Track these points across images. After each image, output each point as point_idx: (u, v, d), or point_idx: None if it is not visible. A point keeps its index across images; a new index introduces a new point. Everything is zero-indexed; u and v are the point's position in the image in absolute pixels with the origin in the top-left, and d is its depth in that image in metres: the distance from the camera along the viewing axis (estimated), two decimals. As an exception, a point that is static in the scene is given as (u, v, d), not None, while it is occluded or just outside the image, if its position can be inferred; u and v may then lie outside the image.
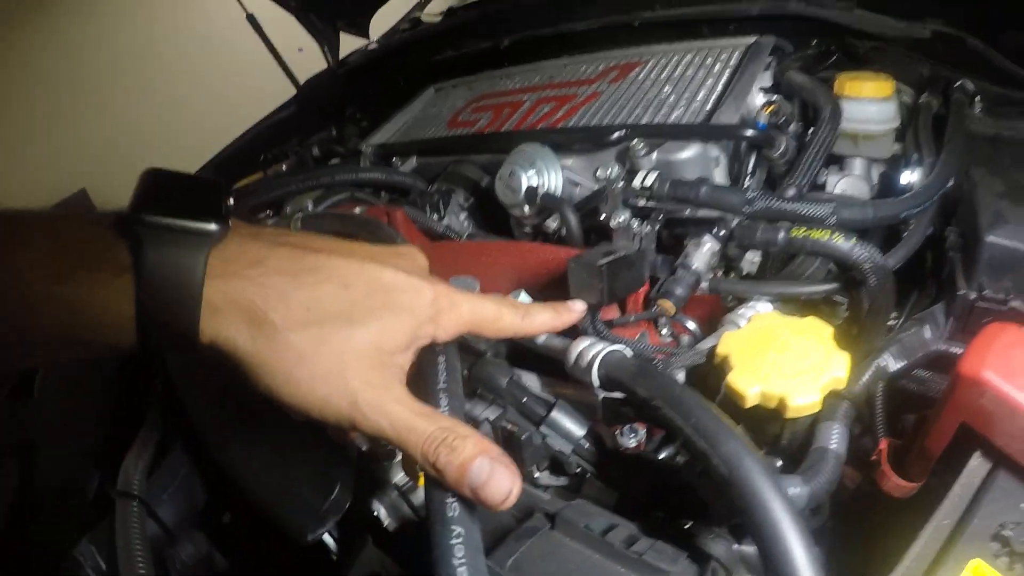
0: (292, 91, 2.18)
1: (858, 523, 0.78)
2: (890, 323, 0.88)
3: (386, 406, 0.56)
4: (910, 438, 0.71)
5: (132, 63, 4.79)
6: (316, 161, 1.77)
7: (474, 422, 0.78)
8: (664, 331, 0.91)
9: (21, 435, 1.39)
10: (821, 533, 0.77)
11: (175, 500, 1.14)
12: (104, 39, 4.73)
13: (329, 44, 2.07)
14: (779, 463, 0.72)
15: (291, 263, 0.58)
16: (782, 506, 0.49)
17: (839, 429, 0.68)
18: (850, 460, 0.76)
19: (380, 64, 2.02)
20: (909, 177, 1.01)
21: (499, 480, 0.53)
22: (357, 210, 1.21)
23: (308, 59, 2.12)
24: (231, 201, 0.60)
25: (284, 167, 1.79)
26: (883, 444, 0.72)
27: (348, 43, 2.16)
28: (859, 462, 0.75)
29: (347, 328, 0.57)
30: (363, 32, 2.15)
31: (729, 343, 0.69)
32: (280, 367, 0.55)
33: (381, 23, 2.20)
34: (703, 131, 1.04)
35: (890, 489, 0.71)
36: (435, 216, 1.17)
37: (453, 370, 0.64)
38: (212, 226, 0.55)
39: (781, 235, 0.81)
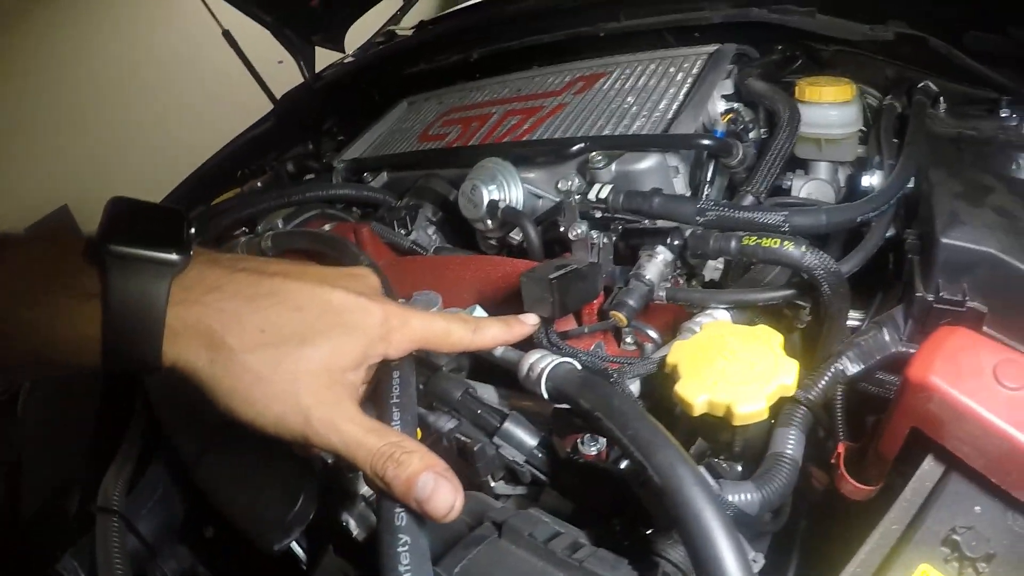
0: (271, 105, 2.19)
1: (827, 524, 0.79)
2: (855, 323, 0.89)
3: (337, 423, 0.58)
4: (867, 442, 0.72)
5: (112, 80, 4.78)
6: (291, 177, 1.78)
7: (437, 432, 0.79)
8: (628, 339, 0.91)
9: (6, 453, 1.40)
10: (787, 535, 0.78)
11: (155, 515, 1.15)
12: (83, 56, 4.73)
13: (305, 58, 2.08)
14: (739, 468, 0.73)
15: (247, 288, 0.61)
16: (713, 514, 0.49)
17: (795, 434, 0.69)
18: (819, 462, 0.77)
19: (355, 78, 2.02)
20: (870, 180, 1.01)
21: (443, 494, 0.55)
22: (327, 227, 1.22)
23: (289, 71, 2.12)
24: (192, 230, 0.62)
25: (259, 183, 1.80)
26: (840, 448, 0.72)
27: (325, 55, 2.17)
28: (826, 464, 0.76)
29: (300, 349, 0.59)
30: (339, 46, 2.16)
31: (678, 353, 0.70)
32: (237, 388, 0.58)
33: (356, 36, 2.20)
34: (660, 141, 1.04)
35: (848, 493, 0.72)
36: (402, 231, 1.18)
37: (407, 384, 0.66)
38: (174, 256, 0.58)
39: (733, 244, 0.82)
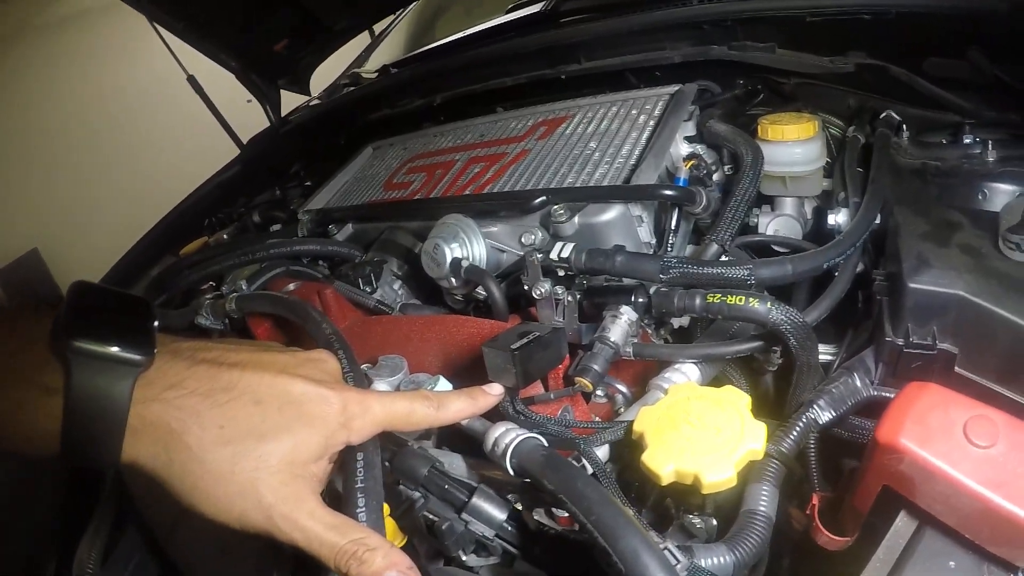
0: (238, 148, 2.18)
1: (810, 562, 0.77)
2: (827, 358, 0.88)
3: (299, 521, 0.58)
4: (842, 492, 0.71)
5: (80, 123, 4.75)
6: (257, 227, 1.76)
7: (408, 501, 0.77)
8: (599, 392, 0.90)
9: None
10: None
11: (131, 586, 1.13)
12: (51, 99, 4.69)
13: (271, 102, 2.07)
14: (714, 523, 0.71)
15: (207, 383, 0.60)
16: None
17: (768, 490, 0.68)
18: (797, 503, 0.76)
19: (321, 123, 2.02)
20: (835, 218, 1.01)
21: None
22: (291, 286, 1.20)
23: (256, 114, 2.11)
24: (156, 323, 0.62)
25: (225, 236, 1.79)
26: (815, 499, 0.71)
27: (291, 97, 2.16)
28: (804, 506, 0.75)
29: (260, 444, 0.59)
30: (304, 89, 2.15)
31: (644, 420, 0.69)
32: (198, 486, 0.58)
33: (322, 79, 2.20)
34: (623, 193, 1.03)
35: (824, 544, 0.71)
36: (367, 288, 1.16)
37: (371, 466, 0.65)
38: (138, 356, 0.57)
39: (698, 301, 0.81)
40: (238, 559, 0.94)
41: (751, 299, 0.77)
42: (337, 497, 0.63)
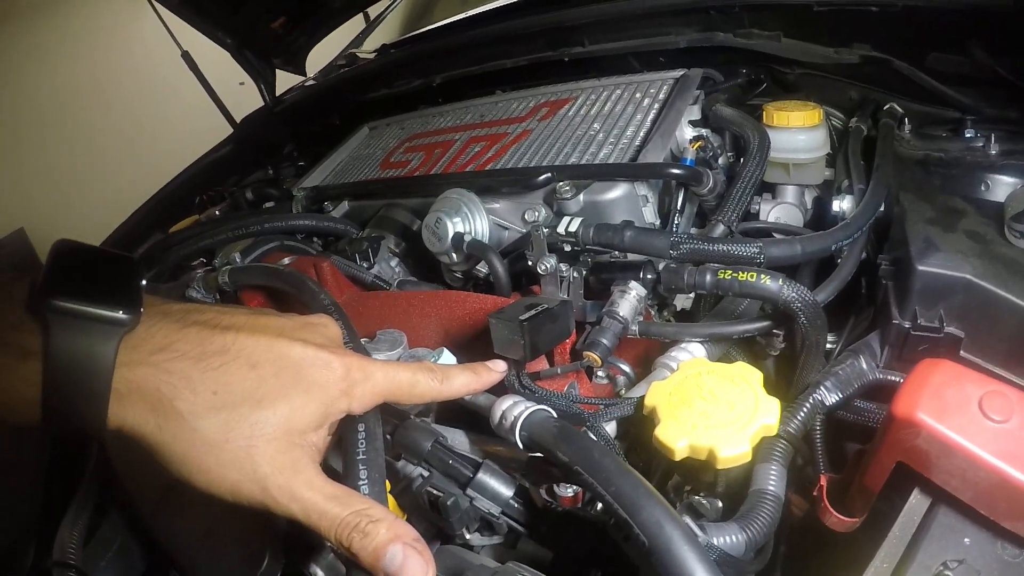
0: (231, 128, 2.15)
1: (808, 551, 0.77)
2: (828, 346, 0.87)
3: (296, 491, 0.55)
4: (849, 473, 0.70)
5: (70, 100, 4.69)
6: (249, 204, 1.74)
7: (407, 479, 0.75)
8: (600, 373, 0.89)
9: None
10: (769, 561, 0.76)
11: (113, 568, 1.10)
12: (42, 77, 4.64)
13: (266, 81, 2.05)
14: (720, 504, 0.70)
15: (198, 346, 0.57)
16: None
17: (776, 470, 0.67)
18: (796, 488, 0.75)
19: (316, 102, 2.00)
20: (840, 205, 1.01)
21: (412, 567, 0.53)
22: (286, 260, 1.18)
23: (250, 94, 2.08)
24: (143, 281, 0.58)
25: (217, 212, 1.76)
26: (823, 480, 0.71)
27: (286, 78, 2.14)
28: (803, 490, 0.74)
29: (256, 411, 0.56)
30: (300, 69, 2.13)
31: (656, 394, 0.68)
32: (189, 455, 0.54)
33: (318, 59, 2.18)
34: (629, 171, 1.02)
35: (832, 525, 0.70)
36: (364, 264, 1.14)
37: (373, 438, 0.62)
38: (122, 314, 0.54)
39: (708, 278, 0.80)
40: (224, 542, 0.92)
41: (763, 276, 0.76)
42: (336, 474, 0.60)
